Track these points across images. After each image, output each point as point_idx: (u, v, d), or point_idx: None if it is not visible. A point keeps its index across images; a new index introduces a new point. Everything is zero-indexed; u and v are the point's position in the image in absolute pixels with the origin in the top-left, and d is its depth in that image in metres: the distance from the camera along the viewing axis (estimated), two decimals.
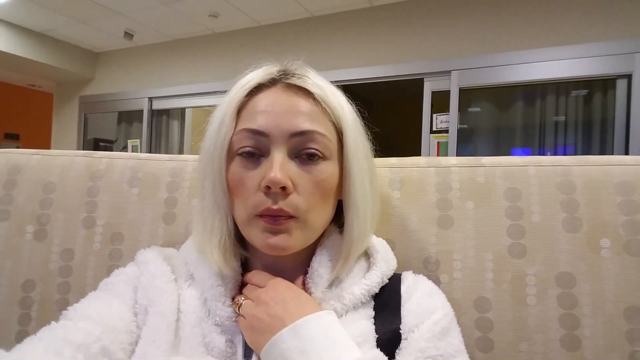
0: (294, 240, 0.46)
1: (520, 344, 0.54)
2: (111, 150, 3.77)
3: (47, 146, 4.16)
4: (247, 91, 0.49)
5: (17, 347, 0.41)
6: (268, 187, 0.44)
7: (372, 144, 0.54)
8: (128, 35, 3.30)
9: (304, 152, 0.46)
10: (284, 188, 0.44)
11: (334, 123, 0.49)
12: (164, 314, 0.46)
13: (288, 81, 0.49)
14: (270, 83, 0.49)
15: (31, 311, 0.65)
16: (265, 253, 0.47)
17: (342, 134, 0.49)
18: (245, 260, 0.53)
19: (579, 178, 0.57)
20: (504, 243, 0.57)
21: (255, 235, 0.46)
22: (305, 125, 0.46)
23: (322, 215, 0.48)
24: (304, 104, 0.47)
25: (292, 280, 0.49)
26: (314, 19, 2.91)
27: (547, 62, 2.26)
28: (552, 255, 0.55)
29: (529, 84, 2.36)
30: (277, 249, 0.45)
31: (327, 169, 0.47)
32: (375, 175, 0.55)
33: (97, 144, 3.84)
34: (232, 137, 0.47)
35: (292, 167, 0.46)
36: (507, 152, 2.50)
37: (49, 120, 4.09)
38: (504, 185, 0.59)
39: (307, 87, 0.48)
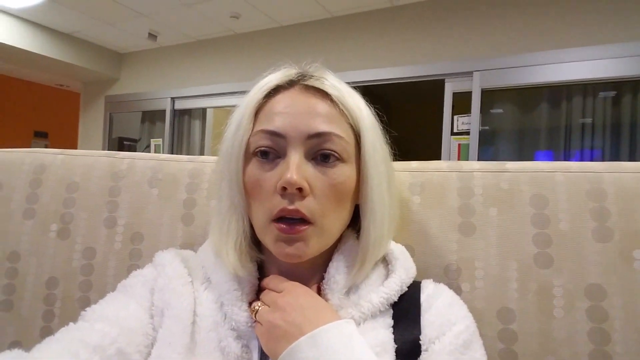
0: (310, 248, 0.45)
1: (546, 357, 0.52)
2: (135, 148, 3.86)
3: (74, 144, 4.28)
4: (265, 93, 0.48)
5: (36, 347, 0.41)
6: (284, 188, 0.43)
7: (391, 147, 0.53)
8: (152, 36, 3.37)
9: (320, 153, 0.46)
10: (300, 190, 0.43)
11: (351, 125, 0.48)
12: (180, 316, 0.46)
13: (306, 83, 0.48)
14: (288, 85, 0.49)
15: (54, 308, 0.66)
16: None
17: (359, 137, 0.48)
18: (262, 264, 0.52)
19: (610, 185, 0.54)
20: (530, 252, 0.55)
21: (270, 242, 0.46)
22: (323, 127, 0.45)
23: (338, 220, 0.47)
24: (321, 106, 0.47)
25: (308, 285, 0.48)
26: (334, 19, 2.90)
27: (574, 62, 2.18)
28: (581, 266, 0.52)
29: (554, 85, 2.28)
30: (293, 257, 0.45)
31: (345, 172, 0.46)
32: (394, 180, 0.54)
33: (122, 143, 3.93)
34: (249, 139, 0.47)
35: (309, 169, 0.45)
36: (531, 155, 2.43)
37: (76, 119, 4.21)
38: (529, 192, 0.57)
39: (324, 89, 0.47)
